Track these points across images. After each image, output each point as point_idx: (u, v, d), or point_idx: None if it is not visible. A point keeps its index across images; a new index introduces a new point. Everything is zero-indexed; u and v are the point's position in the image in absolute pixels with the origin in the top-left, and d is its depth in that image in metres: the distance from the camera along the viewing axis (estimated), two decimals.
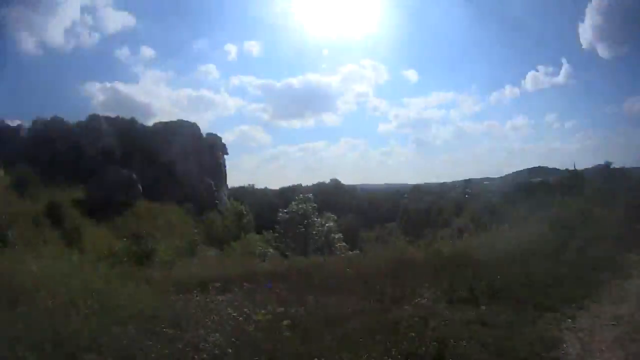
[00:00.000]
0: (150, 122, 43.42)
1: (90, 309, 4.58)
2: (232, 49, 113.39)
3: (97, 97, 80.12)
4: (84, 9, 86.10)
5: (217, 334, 4.04)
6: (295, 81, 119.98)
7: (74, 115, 42.91)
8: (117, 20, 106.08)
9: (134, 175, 30.01)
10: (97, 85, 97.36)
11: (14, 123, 37.75)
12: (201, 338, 3.97)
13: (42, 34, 77.58)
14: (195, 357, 3.74)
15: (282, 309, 4.92)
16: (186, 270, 9.90)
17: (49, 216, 21.25)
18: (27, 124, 37.07)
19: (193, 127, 40.01)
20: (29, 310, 4.44)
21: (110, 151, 34.17)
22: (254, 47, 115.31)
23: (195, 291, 5.66)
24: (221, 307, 4.85)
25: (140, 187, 29.84)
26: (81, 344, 3.82)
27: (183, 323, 4.43)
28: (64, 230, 20.66)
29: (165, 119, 42.68)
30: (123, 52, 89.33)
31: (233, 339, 3.97)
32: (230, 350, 3.81)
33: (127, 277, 7.25)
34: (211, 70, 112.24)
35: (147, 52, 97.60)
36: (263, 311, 4.62)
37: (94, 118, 36.24)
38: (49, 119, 35.97)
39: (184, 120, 41.02)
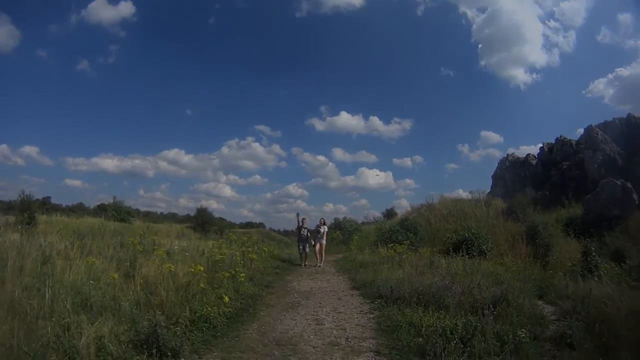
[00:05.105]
0: None
1: None
2: None
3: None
4: None
5: None
6: None
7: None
8: None
9: (629, 185, 25.20)
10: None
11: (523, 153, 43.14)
12: None
13: None
14: None
15: None
16: None
17: (528, 235, 23.60)
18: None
19: None
20: None
21: (610, 160, 30.73)
22: None
23: None
24: None
25: (636, 198, 24.42)
26: None
27: None
28: (535, 246, 22.27)
29: None
30: None
31: None
32: None
33: None
34: None
35: None
36: None
37: (590, 129, 34.35)
38: (554, 141, 38.56)
39: None
